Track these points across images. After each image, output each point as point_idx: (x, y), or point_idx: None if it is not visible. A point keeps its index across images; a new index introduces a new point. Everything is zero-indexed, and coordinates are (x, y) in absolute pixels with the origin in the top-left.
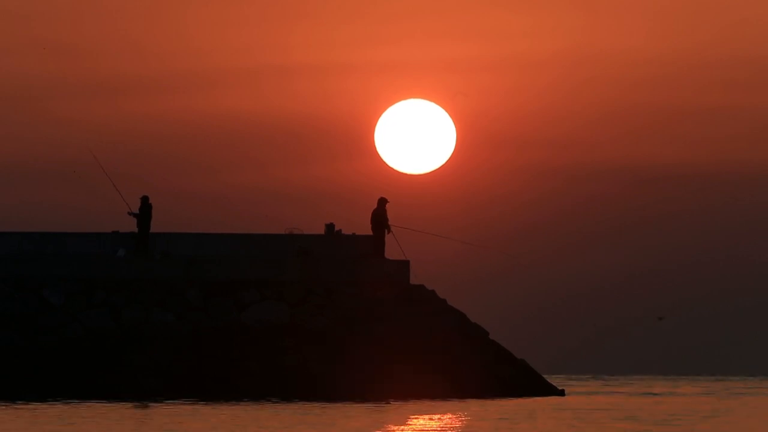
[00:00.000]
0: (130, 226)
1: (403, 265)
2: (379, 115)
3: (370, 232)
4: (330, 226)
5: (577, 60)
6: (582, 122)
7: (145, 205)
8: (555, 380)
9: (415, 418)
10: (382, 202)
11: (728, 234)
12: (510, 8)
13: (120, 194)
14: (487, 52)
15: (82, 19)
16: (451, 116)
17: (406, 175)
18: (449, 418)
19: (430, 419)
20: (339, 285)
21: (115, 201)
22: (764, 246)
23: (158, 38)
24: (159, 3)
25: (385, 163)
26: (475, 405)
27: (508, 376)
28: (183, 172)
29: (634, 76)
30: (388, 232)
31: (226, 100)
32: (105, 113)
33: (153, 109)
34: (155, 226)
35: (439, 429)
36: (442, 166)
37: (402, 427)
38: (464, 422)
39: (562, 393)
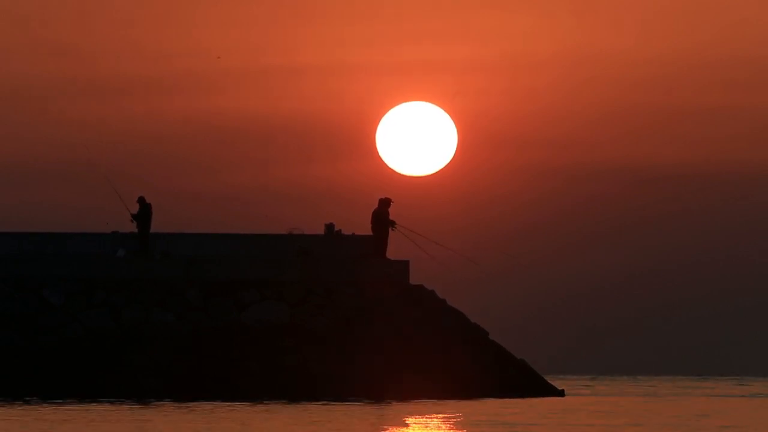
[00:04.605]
0: (130, 226)
1: (403, 265)
2: (381, 117)
3: (370, 232)
4: (330, 226)
5: (577, 60)
6: (582, 122)
7: (144, 205)
8: (555, 380)
9: (415, 418)
10: (385, 203)
11: (728, 234)
12: (510, 9)
13: (123, 202)
14: (487, 52)
15: (82, 19)
16: (452, 118)
17: (406, 176)
18: (449, 418)
19: (430, 419)
20: (339, 285)
21: (115, 201)
22: (764, 246)
23: (159, 38)
24: (160, 3)
25: (385, 164)
26: (474, 405)
27: (507, 376)
28: (183, 172)
29: (634, 76)
30: (393, 229)
31: (227, 100)
32: (105, 113)
33: (153, 109)
34: (155, 226)
35: (438, 429)
36: (443, 168)
37: (402, 427)
38: (463, 422)
39: (561, 393)
